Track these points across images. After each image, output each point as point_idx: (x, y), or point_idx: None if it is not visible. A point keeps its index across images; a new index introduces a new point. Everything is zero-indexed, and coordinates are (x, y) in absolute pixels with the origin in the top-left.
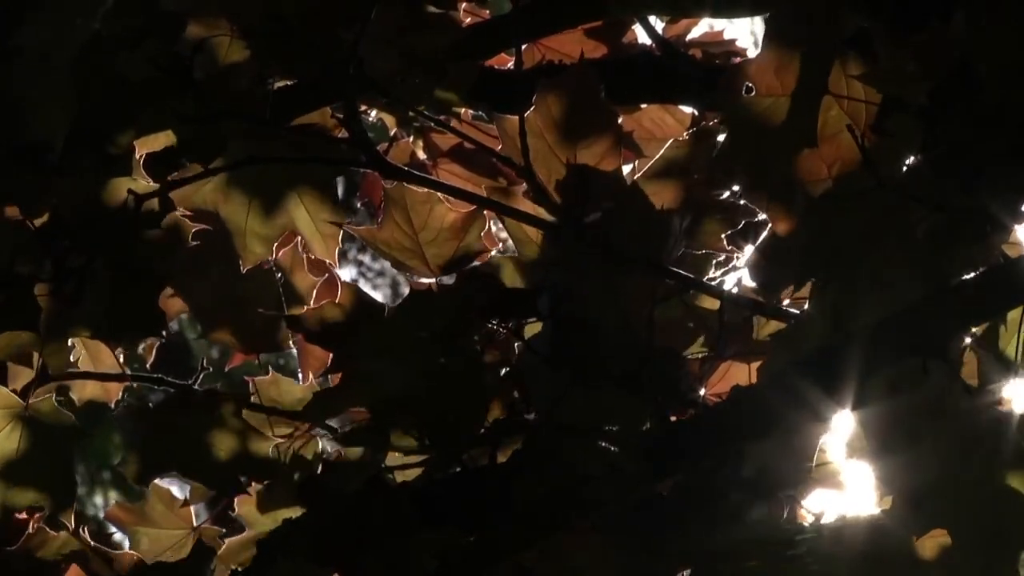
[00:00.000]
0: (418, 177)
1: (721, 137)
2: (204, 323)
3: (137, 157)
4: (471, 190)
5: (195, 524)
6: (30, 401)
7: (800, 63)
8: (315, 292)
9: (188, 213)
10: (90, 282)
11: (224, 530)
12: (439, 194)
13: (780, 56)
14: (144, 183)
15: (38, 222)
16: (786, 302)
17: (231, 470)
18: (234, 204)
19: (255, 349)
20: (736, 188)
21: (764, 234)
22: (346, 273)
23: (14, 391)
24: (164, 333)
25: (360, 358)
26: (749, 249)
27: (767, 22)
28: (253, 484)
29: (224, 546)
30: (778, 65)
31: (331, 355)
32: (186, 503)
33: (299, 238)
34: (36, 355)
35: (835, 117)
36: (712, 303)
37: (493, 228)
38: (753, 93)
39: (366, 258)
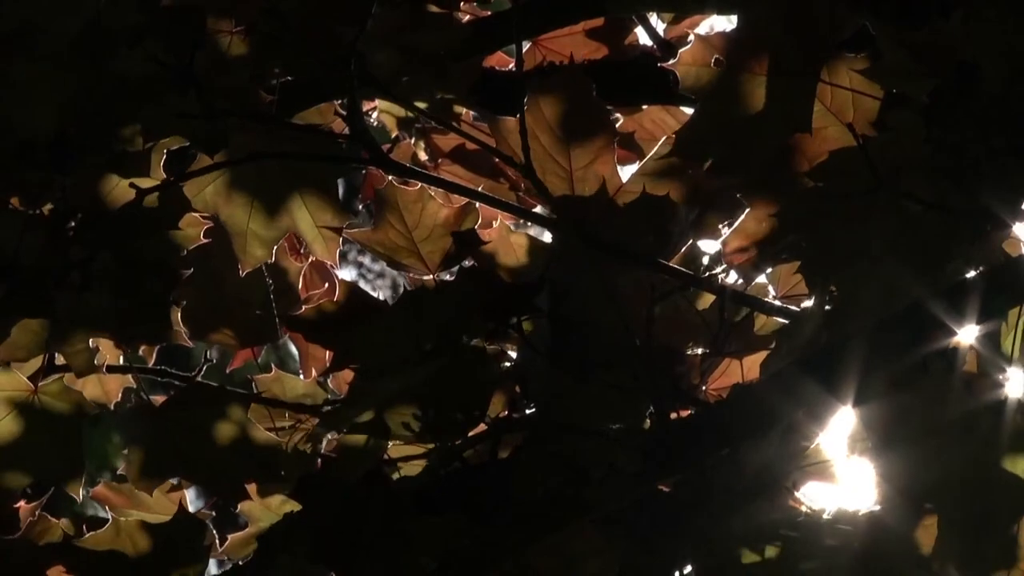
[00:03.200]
0: (421, 174)
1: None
2: (193, 328)
3: (148, 155)
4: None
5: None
6: (39, 385)
7: (786, 47)
8: (302, 276)
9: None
10: (98, 277)
11: (213, 513)
12: (430, 191)
13: (757, 35)
14: (149, 180)
15: (45, 212)
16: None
17: (234, 472)
18: (235, 206)
19: (250, 343)
20: (708, 165)
21: (741, 217)
22: (346, 274)
23: None
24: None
25: (359, 355)
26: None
27: (744, 5)
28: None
29: (228, 541)
30: (754, 43)
31: (331, 353)
32: (177, 487)
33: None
34: (43, 350)
35: (819, 112)
36: (711, 299)
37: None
38: (724, 68)
39: (366, 259)
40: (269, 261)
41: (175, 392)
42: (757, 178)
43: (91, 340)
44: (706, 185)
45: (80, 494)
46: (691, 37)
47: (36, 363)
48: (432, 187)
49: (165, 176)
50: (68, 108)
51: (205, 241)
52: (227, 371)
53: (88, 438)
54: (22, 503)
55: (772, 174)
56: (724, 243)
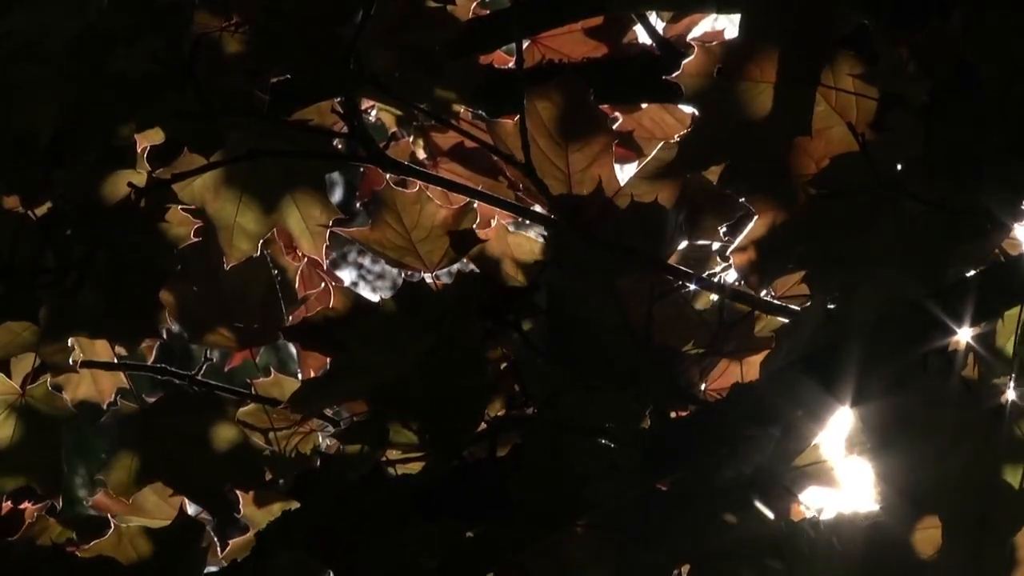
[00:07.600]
0: (419, 172)
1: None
2: (190, 330)
3: (139, 150)
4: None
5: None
6: (27, 388)
7: (788, 54)
8: (300, 274)
9: (190, 207)
10: (90, 276)
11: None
12: (428, 193)
13: (759, 44)
14: (143, 176)
15: (39, 212)
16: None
17: (219, 481)
18: (224, 200)
19: (248, 344)
20: (715, 175)
21: (750, 225)
22: (346, 275)
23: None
24: (164, 332)
25: (353, 349)
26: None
27: (746, 10)
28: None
29: (229, 547)
30: (757, 52)
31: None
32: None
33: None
34: (34, 352)
35: (824, 112)
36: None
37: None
38: (726, 77)
39: (366, 260)
40: (254, 255)
41: (160, 397)
42: (764, 184)
43: (80, 339)
44: (701, 187)
45: (60, 500)
46: (694, 47)
47: (28, 365)
48: (430, 186)
49: (150, 168)
50: (68, 108)
51: (196, 240)
52: (225, 370)
53: (87, 439)
54: (27, 504)
55: (778, 180)
56: (732, 253)
